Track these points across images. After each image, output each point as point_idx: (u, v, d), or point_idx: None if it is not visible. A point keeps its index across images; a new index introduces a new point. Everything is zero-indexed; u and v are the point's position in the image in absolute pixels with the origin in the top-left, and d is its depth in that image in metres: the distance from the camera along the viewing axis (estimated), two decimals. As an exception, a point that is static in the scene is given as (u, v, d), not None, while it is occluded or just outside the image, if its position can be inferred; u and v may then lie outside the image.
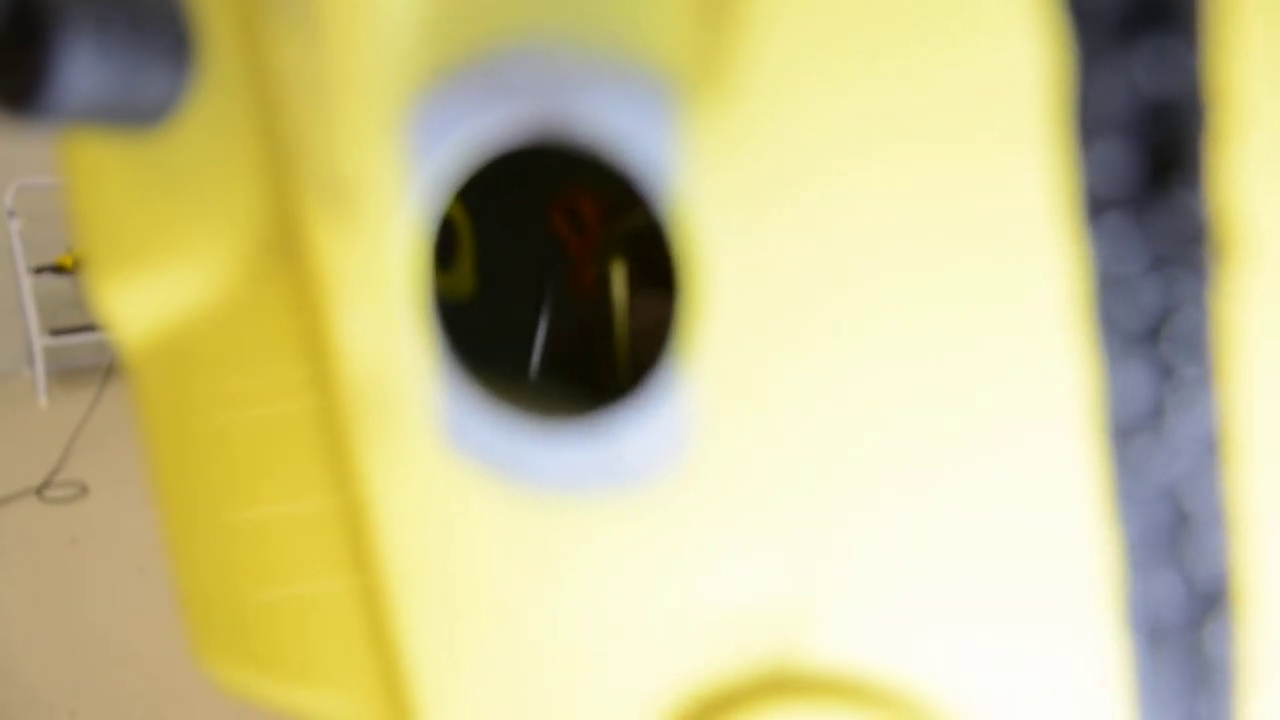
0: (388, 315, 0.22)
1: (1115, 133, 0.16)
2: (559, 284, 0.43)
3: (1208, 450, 0.18)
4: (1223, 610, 0.18)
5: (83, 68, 0.23)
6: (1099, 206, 0.17)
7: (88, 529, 2.68)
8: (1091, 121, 0.16)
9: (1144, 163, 0.16)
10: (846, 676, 0.20)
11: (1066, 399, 0.18)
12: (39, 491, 2.87)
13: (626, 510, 0.21)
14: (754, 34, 0.17)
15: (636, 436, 0.20)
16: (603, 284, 0.34)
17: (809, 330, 0.19)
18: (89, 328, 4.04)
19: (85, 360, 4.11)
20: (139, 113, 0.25)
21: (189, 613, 0.32)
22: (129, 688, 2.04)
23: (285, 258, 0.24)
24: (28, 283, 3.80)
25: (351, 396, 0.23)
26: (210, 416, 0.29)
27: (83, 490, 2.90)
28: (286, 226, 0.24)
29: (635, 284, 0.34)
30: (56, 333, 3.89)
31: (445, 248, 0.41)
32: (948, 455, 0.19)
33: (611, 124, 0.19)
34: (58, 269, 3.90)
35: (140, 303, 0.28)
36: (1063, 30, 0.16)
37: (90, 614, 2.24)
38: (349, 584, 0.26)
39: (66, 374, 4.10)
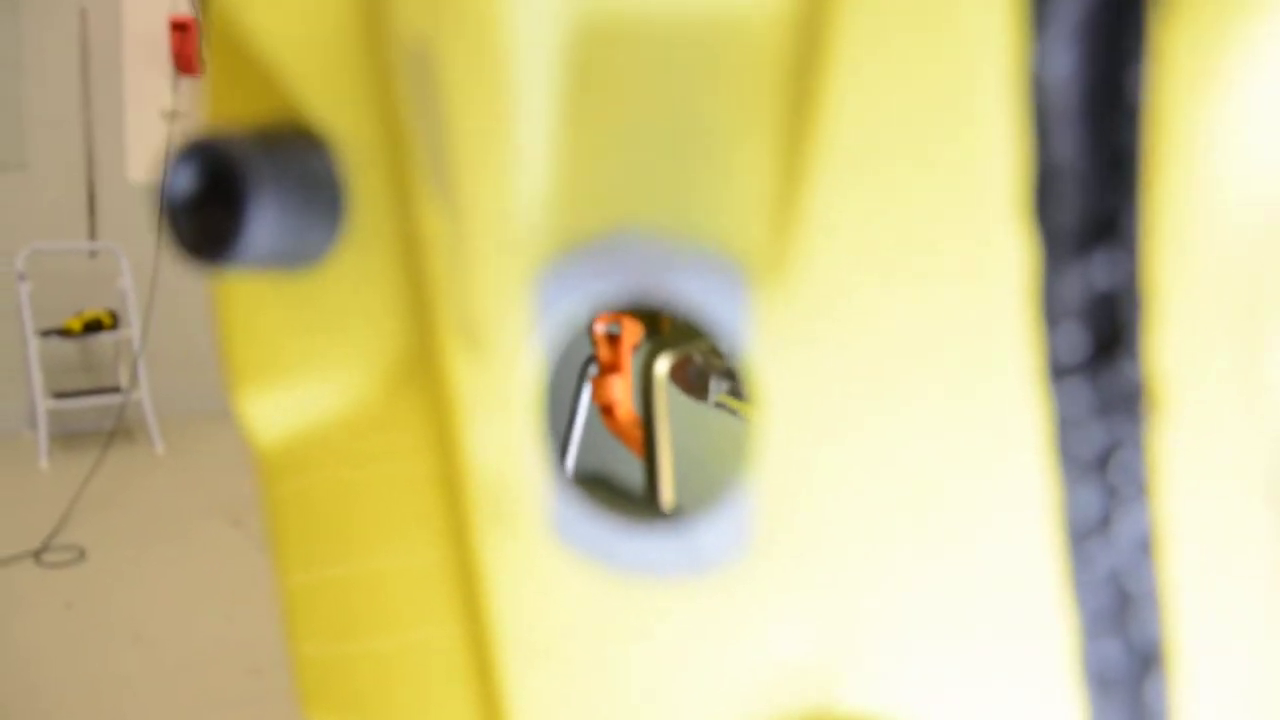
0: (510, 432, 0.28)
1: (1074, 317, 0.22)
2: (580, 387, 0.48)
3: (1143, 548, 0.24)
4: (1158, 669, 0.24)
5: (266, 226, 0.29)
6: (1061, 371, 0.23)
7: (84, 594, 2.68)
8: (1056, 307, 0.23)
9: (1095, 339, 0.23)
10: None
11: (1036, 510, 0.24)
12: (36, 555, 2.86)
13: (701, 591, 0.26)
14: (812, 237, 0.24)
15: (711, 532, 0.26)
16: (645, 393, 0.40)
17: (844, 451, 0.25)
18: (92, 391, 4.06)
19: (87, 424, 4.13)
20: (300, 259, 0.31)
21: (299, 667, 0.37)
22: (127, 753, 2.04)
23: (419, 380, 0.30)
24: (34, 345, 3.84)
25: (475, 497, 0.29)
26: (336, 488, 0.35)
27: (81, 555, 2.91)
28: (422, 355, 0.30)
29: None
30: (60, 395, 3.92)
31: None
32: (949, 551, 0.25)
33: (697, 297, 0.25)
34: (64, 332, 3.95)
35: (279, 410, 0.34)
36: (1035, 241, 0.23)
37: (84, 680, 2.24)
38: (457, 634, 0.32)
39: (68, 437, 4.11)
